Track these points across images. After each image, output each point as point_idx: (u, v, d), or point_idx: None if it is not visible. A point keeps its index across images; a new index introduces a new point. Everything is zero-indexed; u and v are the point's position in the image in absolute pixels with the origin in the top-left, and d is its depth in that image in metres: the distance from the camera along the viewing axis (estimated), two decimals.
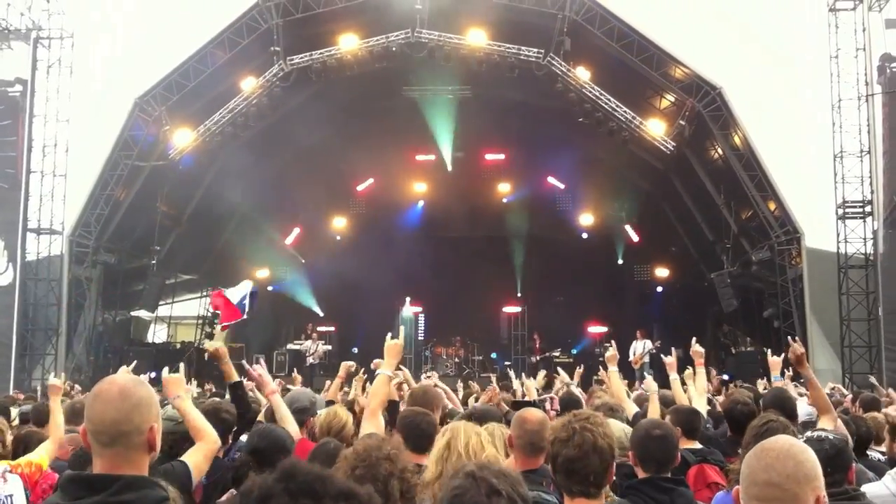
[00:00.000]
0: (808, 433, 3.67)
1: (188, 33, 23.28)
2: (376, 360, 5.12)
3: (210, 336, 26.95)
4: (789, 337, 7.20)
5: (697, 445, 5.47)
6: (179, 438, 4.17)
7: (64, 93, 22.53)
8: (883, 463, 5.63)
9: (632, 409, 7.10)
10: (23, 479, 4.99)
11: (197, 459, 3.66)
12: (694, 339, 7.74)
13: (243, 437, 5.79)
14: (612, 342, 8.14)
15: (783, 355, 7.60)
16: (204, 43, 21.46)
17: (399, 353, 5.09)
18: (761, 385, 10.90)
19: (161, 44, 28.89)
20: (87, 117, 25.00)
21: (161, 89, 21.66)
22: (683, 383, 7.53)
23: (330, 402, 7.17)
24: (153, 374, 18.81)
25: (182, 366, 5.06)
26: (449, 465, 3.68)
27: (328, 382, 10.22)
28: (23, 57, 22.62)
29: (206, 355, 5.32)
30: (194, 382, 11.66)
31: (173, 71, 21.68)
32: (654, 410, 6.68)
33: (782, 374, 8.09)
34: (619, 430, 4.83)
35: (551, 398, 5.13)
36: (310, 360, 23.62)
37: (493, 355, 27.07)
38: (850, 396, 10.69)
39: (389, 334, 5.14)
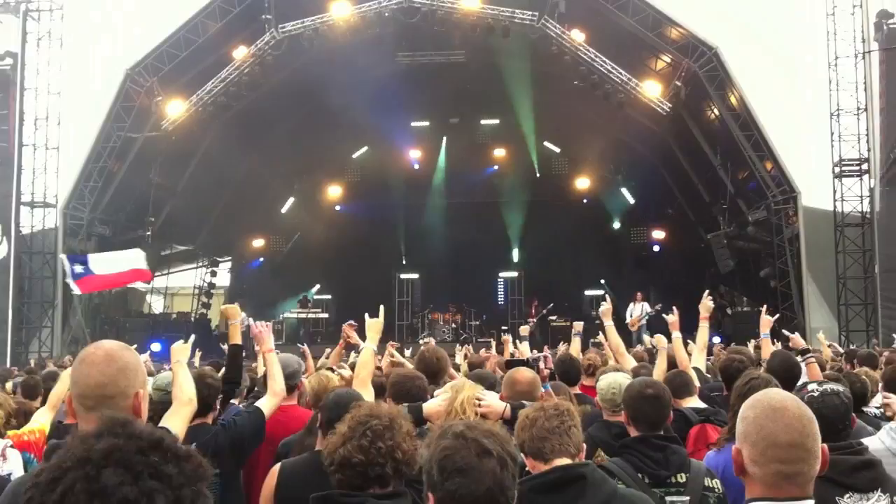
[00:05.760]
0: (824, 387, 3.66)
1: (179, 2, 23.04)
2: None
3: (207, 306, 27.04)
4: (786, 332, 7.22)
5: (701, 404, 5.45)
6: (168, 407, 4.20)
7: (54, 65, 22.39)
8: (879, 418, 5.62)
9: (630, 364, 7.10)
10: (29, 447, 5.03)
11: (174, 424, 3.71)
12: (706, 292, 7.70)
13: (234, 401, 5.81)
14: (607, 297, 8.11)
15: (776, 315, 7.58)
16: (195, 12, 21.29)
17: (379, 330, 5.31)
18: (752, 345, 10.87)
19: (151, 13, 28.58)
20: (79, 89, 24.85)
21: (152, 60, 21.50)
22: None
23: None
24: (159, 349, 18.89)
25: (193, 337, 5.13)
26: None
27: (327, 350, 10.25)
28: (12, 30, 22.48)
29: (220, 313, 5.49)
30: (198, 354, 11.67)
31: (164, 41, 21.52)
32: (661, 368, 6.68)
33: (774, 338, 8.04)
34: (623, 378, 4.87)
35: (545, 357, 5.11)
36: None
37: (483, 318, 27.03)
38: (835, 352, 10.68)
39: (367, 315, 5.44)
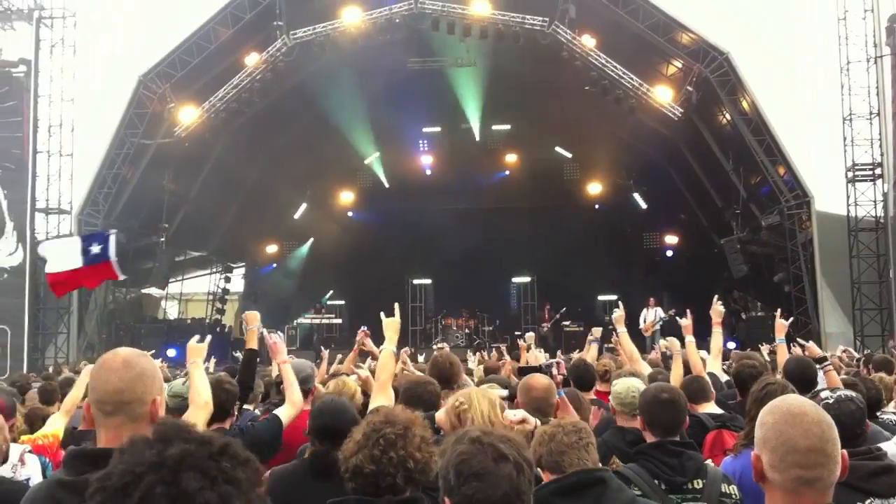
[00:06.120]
0: (838, 393, 3.67)
1: (191, 9, 23.13)
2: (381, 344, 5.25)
3: (221, 312, 27.12)
4: (801, 340, 7.14)
5: (717, 410, 5.42)
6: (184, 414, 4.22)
7: (68, 72, 22.51)
8: (895, 424, 5.60)
9: (645, 370, 7.06)
10: (43, 451, 5.06)
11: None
12: (716, 297, 7.65)
13: (248, 407, 5.82)
14: (620, 304, 8.05)
15: (790, 319, 7.54)
16: (207, 19, 21.38)
17: (397, 329, 5.23)
18: (765, 350, 10.83)
19: (164, 20, 28.71)
20: (92, 96, 24.96)
21: (165, 66, 21.58)
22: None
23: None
24: (174, 355, 18.95)
25: (209, 337, 5.11)
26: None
27: (339, 356, 10.26)
28: (26, 37, 22.55)
29: (242, 324, 5.38)
30: (213, 360, 11.70)
31: (177, 48, 21.58)
32: (677, 373, 6.53)
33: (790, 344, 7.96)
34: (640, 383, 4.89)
35: (557, 363, 5.11)
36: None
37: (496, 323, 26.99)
38: (850, 357, 10.62)
39: (382, 313, 5.30)
